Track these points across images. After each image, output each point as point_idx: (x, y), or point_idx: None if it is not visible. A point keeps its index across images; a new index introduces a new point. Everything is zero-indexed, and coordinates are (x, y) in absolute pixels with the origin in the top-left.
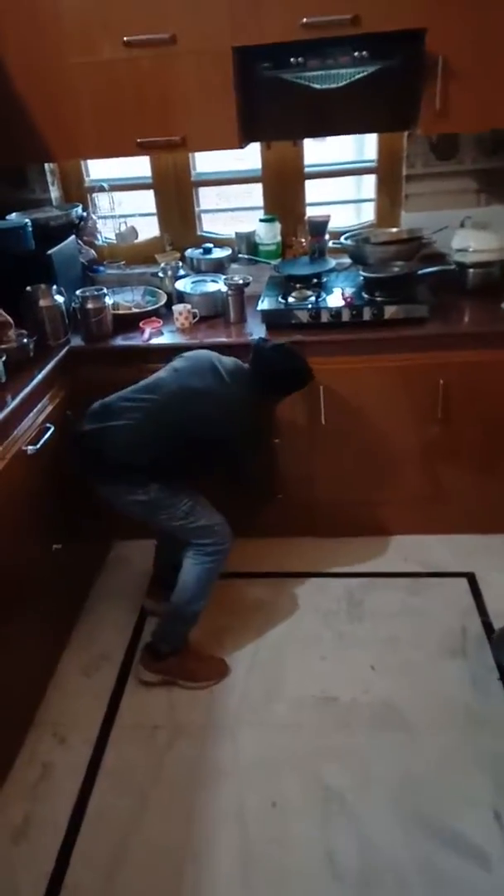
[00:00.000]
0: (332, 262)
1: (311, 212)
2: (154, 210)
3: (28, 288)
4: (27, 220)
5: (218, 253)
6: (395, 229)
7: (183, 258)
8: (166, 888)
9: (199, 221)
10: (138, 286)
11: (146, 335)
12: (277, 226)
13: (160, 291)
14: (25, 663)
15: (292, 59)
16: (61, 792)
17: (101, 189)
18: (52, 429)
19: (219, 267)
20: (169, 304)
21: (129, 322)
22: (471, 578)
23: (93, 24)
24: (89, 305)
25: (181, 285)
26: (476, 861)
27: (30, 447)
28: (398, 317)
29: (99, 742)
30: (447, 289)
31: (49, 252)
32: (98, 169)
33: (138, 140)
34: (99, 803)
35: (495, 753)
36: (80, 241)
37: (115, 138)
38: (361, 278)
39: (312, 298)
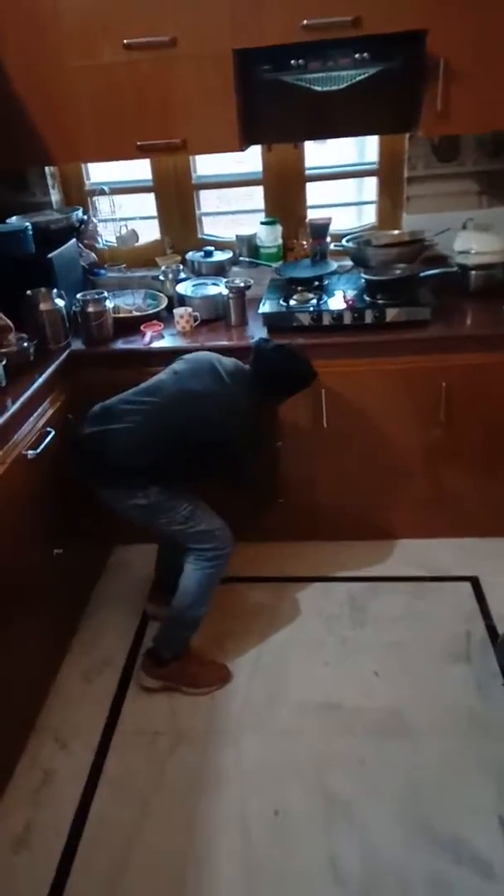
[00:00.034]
0: (334, 265)
1: (312, 214)
2: (155, 213)
3: (28, 291)
4: (28, 224)
5: (219, 256)
6: (396, 231)
7: (184, 261)
8: None
9: (199, 224)
10: (139, 289)
11: (147, 339)
12: (278, 228)
13: (161, 295)
14: (26, 668)
15: (293, 62)
16: (62, 799)
17: (102, 192)
18: (53, 433)
19: (220, 270)
20: (170, 308)
21: (130, 325)
22: (474, 582)
23: (92, 26)
24: (90, 309)
25: (182, 288)
26: (480, 869)
27: (30, 451)
28: (400, 319)
29: (100, 748)
30: (449, 291)
31: (49, 255)
32: (98, 172)
33: (138, 143)
34: (100, 810)
35: (500, 759)
36: (80, 245)
37: (115, 141)
38: (363, 281)
39: (314, 301)
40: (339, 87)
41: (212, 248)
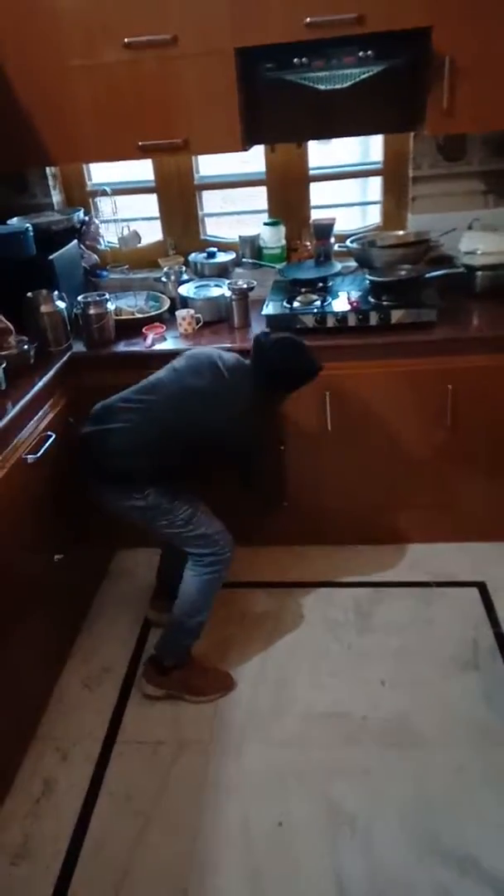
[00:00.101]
0: (338, 266)
1: (316, 215)
2: (157, 214)
3: (29, 293)
4: (28, 225)
5: (222, 257)
6: (401, 232)
7: (186, 262)
8: None
9: (202, 225)
10: (141, 291)
11: (149, 341)
12: (282, 229)
13: (163, 296)
14: (27, 676)
15: (296, 60)
16: (63, 809)
17: (104, 193)
18: (53, 437)
19: (223, 271)
20: (172, 310)
21: (132, 328)
22: (482, 588)
23: (93, 25)
24: (91, 311)
25: (185, 290)
26: (487, 882)
27: (30, 456)
28: (405, 321)
29: (101, 758)
30: (455, 292)
31: (51, 257)
32: (100, 173)
33: (140, 143)
34: (101, 821)
35: None
36: (82, 246)
37: (116, 141)
38: (368, 282)
39: (318, 303)
40: (343, 86)
41: (215, 250)
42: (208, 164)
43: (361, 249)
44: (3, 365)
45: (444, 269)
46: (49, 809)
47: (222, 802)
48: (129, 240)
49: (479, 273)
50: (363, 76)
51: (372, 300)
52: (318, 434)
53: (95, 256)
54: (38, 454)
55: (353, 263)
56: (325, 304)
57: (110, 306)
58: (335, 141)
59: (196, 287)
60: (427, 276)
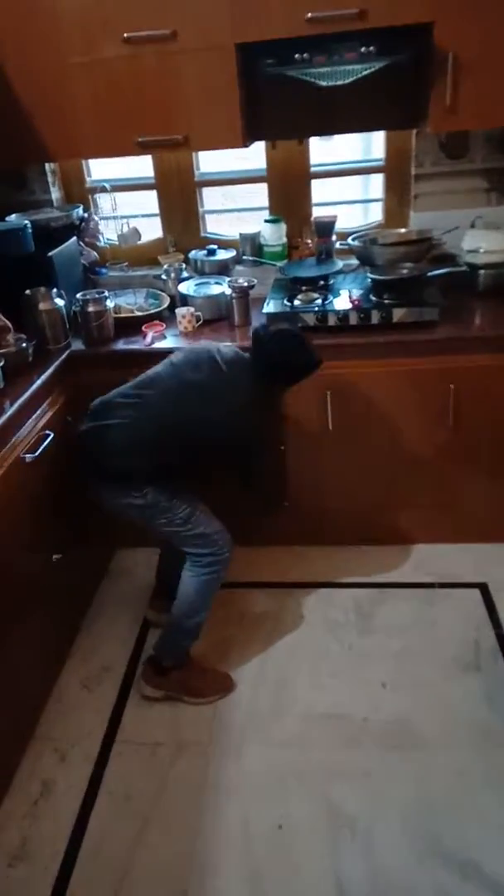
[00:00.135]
0: (339, 264)
1: (317, 212)
2: (157, 211)
3: (28, 291)
4: (27, 222)
5: (222, 254)
6: (403, 230)
7: (186, 260)
8: None
9: (202, 222)
10: (141, 289)
11: (148, 339)
12: (283, 227)
13: (163, 294)
14: (25, 676)
15: (297, 56)
16: (61, 811)
17: (103, 189)
18: (52, 436)
19: (223, 269)
20: (172, 307)
21: (131, 325)
22: (483, 589)
23: (92, 20)
24: (90, 308)
25: (184, 288)
26: (493, 891)
27: (28, 455)
28: (407, 320)
29: (100, 759)
30: (458, 291)
31: (49, 254)
32: (100, 169)
33: (139, 139)
34: (100, 823)
35: None
36: (81, 243)
37: (115, 137)
38: (369, 280)
39: (319, 301)
40: (344, 82)
41: (215, 247)
42: (209, 161)
43: (363, 247)
44: (2, 363)
45: (446, 267)
46: (47, 810)
47: (222, 804)
48: (129, 237)
49: (482, 271)
50: (365, 72)
51: (373, 299)
52: (318, 433)
53: (95, 253)
54: (37, 453)
55: (354, 261)
56: (327, 302)
57: (109, 304)
58: (337, 138)
59: (196, 285)
60: (429, 274)
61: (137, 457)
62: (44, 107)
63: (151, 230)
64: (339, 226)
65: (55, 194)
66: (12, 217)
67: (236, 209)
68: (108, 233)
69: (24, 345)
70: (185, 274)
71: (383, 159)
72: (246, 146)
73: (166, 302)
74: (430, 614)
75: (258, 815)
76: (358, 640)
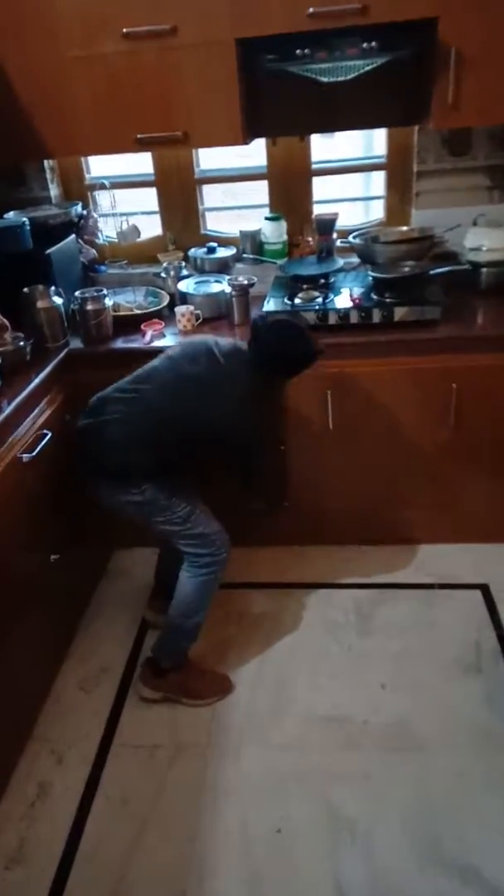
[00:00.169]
0: (340, 262)
1: (318, 210)
2: (157, 208)
3: (25, 289)
4: (25, 219)
5: (222, 252)
6: (405, 228)
7: (186, 258)
8: None
9: (202, 220)
10: (140, 286)
11: (147, 337)
12: (283, 224)
13: (162, 292)
14: (22, 676)
15: (298, 51)
16: (58, 813)
17: (102, 186)
18: (50, 435)
19: (223, 267)
20: (171, 305)
21: (130, 324)
22: (484, 590)
23: (91, 15)
24: (89, 307)
25: (184, 286)
26: (489, 891)
27: (25, 455)
28: (409, 318)
29: (97, 761)
30: (460, 289)
31: (48, 251)
32: (99, 166)
33: (138, 136)
34: (97, 825)
35: None
36: (80, 241)
37: (114, 134)
38: (370, 279)
39: (320, 299)
40: (346, 78)
41: (215, 245)
42: (209, 158)
43: (364, 245)
44: None
45: (448, 265)
46: (44, 813)
47: (220, 806)
48: (128, 234)
49: (485, 270)
50: (367, 68)
51: (375, 297)
52: (319, 433)
53: (93, 251)
54: (34, 453)
55: (355, 259)
56: (327, 300)
57: (108, 302)
58: (338, 134)
59: (196, 283)
60: (431, 272)
61: (135, 452)
62: (42, 103)
63: (151, 227)
64: (341, 223)
65: (54, 191)
66: (10, 214)
67: (236, 206)
68: (107, 230)
69: (21, 343)
70: (184, 272)
71: (385, 156)
72: (246, 143)
73: (166, 300)
74: (430, 615)
75: (257, 818)
76: (358, 640)
